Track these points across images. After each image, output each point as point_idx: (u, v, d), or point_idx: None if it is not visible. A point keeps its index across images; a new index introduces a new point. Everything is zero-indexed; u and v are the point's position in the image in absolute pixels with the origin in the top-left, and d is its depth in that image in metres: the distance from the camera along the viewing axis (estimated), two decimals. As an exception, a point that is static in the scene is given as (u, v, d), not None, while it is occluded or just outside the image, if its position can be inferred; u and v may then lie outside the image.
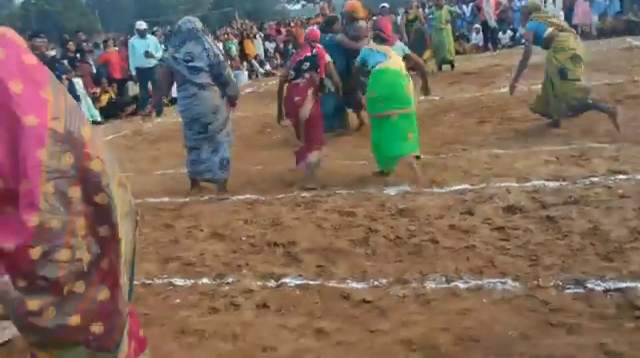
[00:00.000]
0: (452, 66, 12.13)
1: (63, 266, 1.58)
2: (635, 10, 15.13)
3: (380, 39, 5.32)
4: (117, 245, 1.69)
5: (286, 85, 5.53)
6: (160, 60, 11.61)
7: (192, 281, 3.55)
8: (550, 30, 6.13)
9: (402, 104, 4.95)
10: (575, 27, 15.05)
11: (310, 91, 5.38)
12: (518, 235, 3.59)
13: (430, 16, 12.74)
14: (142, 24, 10.96)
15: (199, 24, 5.27)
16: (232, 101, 5.40)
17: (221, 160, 5.30)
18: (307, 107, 5.35)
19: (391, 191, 4.76)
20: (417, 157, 5.09)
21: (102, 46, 13.57)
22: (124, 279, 1.76)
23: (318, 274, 3.43)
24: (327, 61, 5.53)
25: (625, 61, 10.08)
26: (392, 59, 5.10)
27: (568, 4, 14.86)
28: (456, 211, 4.11)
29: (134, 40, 10.96)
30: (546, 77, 6.24)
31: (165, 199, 5.36)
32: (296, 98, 5.36)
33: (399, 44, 5.81)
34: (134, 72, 11.05)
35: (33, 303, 1.56)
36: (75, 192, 1.59)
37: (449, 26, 12.21)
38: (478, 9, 15.75)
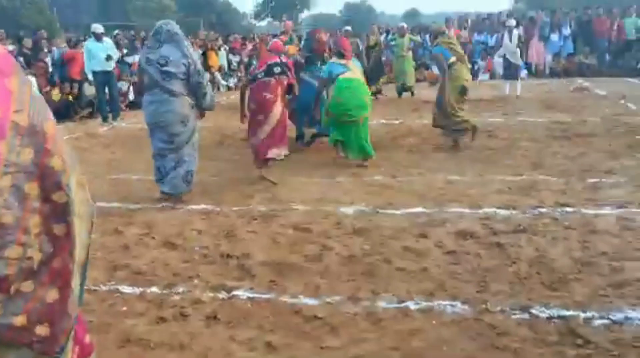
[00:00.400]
0: (412, 93, 12.39)
1: (12, 264, 1.51)
2: (587, 52, 15.91)
3: (340, 55, 6.28)
4: (71, 245, 1.64)
5: (252, 86, 5.79)
6: (118, 62, 11.45)
7: (141, 289, 3.46)
8: (453, 59, 6.80)
9: (365, 110, 6.13)
10: (529, 65, 15.82)
11: (279, 90, 5.70)
12: (469, 259, 3.67)
13: (392, 43, 13.05)
14: (98, 27, 10.74)
15: (178, 29, 5.09)
16: (203, 111, 5.26)
17: (186, 173, 5.15)
18: (279, 107, 5.70)
19: (348, 210, 4.80)
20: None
21: (66, 45, 13.15)
22: (75, 281, 1.70)
23: (270, 288, 3.41)
24: (292, 74, 5.95)
25: (576, 101, 10.56)
26: (353, 70, 6.16)
27: (524, 41, 15.47)
28: (410, 234, 4.17)
29: (89, 44, 10.72)
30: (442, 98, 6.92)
31: (117, 204, 5.22)
32: (267, 95, 5.62)
33: (355, 61, 6.58)
34: (90, 76, 10.76)
35: None
36: (33, 189, 1.53)
37: (410, 54, 12.54)
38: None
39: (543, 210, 4.52)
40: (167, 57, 4.92)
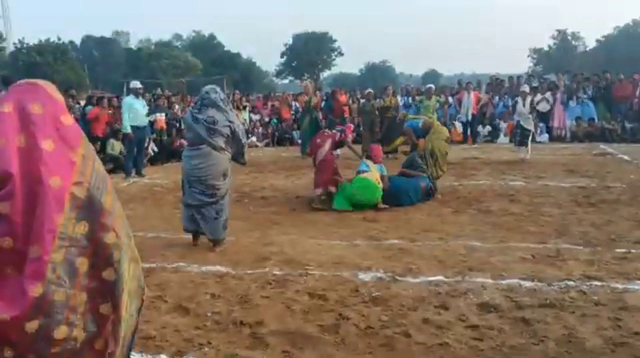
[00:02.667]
0: None
1: (57, 344, 1.42)
2: (609, 118, 15.79)
3: (369, 157, 7.81)
4: (116, 325, 1.54)
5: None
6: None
7: (150, 356, 3.33)
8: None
9: (374, 205, 7.27)
10: (550, 129, 15.74)
11: (329, 141, 7.54)
12: (492, 335, 3.48)
13: (419, 104, 13.16)
14: (137, 84, 11.08)
15: (222, 95, 5.59)
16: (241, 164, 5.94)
17: (224, 222, 5.58)
18: (324, 151, 7.45)
19: (365, 276, 4.66)
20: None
21: (93, 101, 13.49)
22: None
23: (283, 360, 3.25)
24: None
25: (599, 166, 10.40)
26: (372, 172, 7.38)
27: (550, 105, 15.47)
28: (430, 304, 4.00)
29: (129, 99, 10.96)
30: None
31: (131, 263, 5.15)
32: (318, 140, 7.64)
33: (379, 166, 7.70)
34: (129, 130, 10.81)
35: None
36: (84, 264, 1.47)
37: (435, 115, 12.59)
38: (459, 102, 16.30)
39: (570, 283, 4.33)
40: (214, 118, 5.38)
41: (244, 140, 5.68)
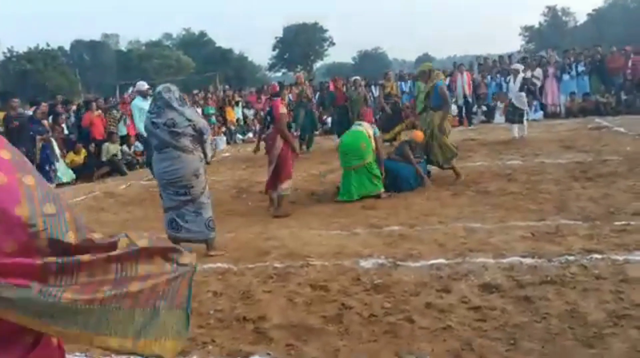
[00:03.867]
0: None
1: None
2: (603, 91, 15.75)
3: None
4: None
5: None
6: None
7: (154, 357, 3.33)
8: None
9: (356, 161, 7.28)
10: (545, 106, 15.71)
11: (277, 138, 6.77)
12: (495, 315, 3.49)
13: (414, 88, 13.09)
14: (144, 85, 10.77)
15: (177, 93, 5.26)
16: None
17: (207, 220, 5.32)
18: (276, 150, 6.76)
19: (367, 264, 4.66)
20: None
21: (83, 108, 13.44)
22: None
23: (288, 353, 3.26)
24: (280, 112, 6.81)
25: (595, 140, 10.39)
26: (365, 127, 7.51)
27: (530, 84, 15.41)
28: (432, 288, 4.00)
29: (137, 101, 10.76)
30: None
31: (133, 266, 5.14)
32: (269, 142, 6.91)
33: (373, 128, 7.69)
34: (143, 132, 10.68)
35: None
36: None
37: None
38: (455, 84, 16.24)
39: (570, 258, 4.33)
40: (173, 120, 5.12)
41: (206, 137, 5.28)
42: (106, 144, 11.88)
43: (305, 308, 3.85)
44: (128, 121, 11.35)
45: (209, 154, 5.41)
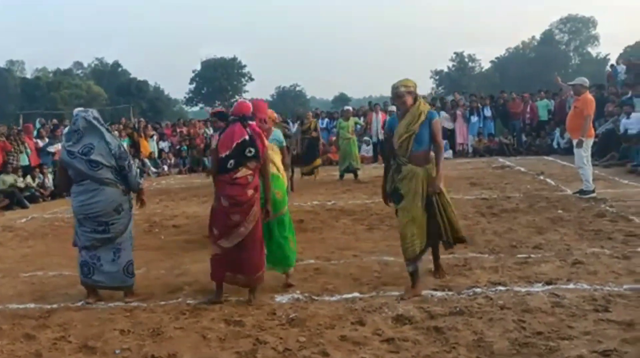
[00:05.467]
0: (356, 175, 12.46)
1: None
2: (506, 133, 17.08)
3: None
4: None
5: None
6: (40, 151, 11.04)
7: (51, 403, 3.08)
8: None
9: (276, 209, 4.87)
10: (455, 145, 16.68)
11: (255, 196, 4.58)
12: (408, 346, 3.54)
13: (336, 126, 13.43)
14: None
15: (95, 114, 4.91)
16: (133, 192, 4.98)
17: (127, 265, 4.88)
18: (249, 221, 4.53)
19: (282, 298, 4.61)
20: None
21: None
22: None
23: (199, 392, 3.13)
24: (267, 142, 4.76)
25: (498, 178, 11.06)
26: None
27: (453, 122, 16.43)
28: (347, 321, 4.02)
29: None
30: None
31: (31, 305, 4.78)
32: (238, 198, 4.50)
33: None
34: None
35: None
36: None
37: (354, 136, 12.83)
38: (369, 123, 16.82)
39: (477, 290, 4.52)
40: (91, 145, 4.72)
41: (128, 163, 4.84)
42: (1, 175, 11.13)
43: (219, 344, 3.74)
44: (30, 151, 10.72)
45: (136, 182, 4.96)
